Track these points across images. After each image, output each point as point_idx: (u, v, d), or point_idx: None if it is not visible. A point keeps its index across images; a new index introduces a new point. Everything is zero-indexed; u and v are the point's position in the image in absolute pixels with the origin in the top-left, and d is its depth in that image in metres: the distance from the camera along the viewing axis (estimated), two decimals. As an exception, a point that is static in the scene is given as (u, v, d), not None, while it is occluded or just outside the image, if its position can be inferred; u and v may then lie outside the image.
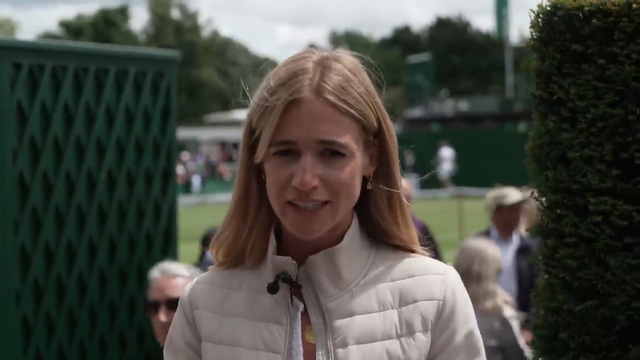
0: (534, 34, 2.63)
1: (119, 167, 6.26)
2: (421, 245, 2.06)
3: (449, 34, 79.20)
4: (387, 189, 1.97)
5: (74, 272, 5.93)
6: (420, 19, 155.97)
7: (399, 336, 1.92)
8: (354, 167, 1.91)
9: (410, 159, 35.03)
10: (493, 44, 71.96)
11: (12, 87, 5.58)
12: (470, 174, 33.07)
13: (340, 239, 1.96)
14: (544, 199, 2.63)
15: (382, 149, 1.98)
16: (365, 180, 1.97)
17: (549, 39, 2.60)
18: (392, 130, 2.00)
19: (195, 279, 2.08)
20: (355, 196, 1.93)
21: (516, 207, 7.85)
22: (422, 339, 1.92)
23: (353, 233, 1.97)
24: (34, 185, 5.71)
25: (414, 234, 2.02)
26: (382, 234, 2.00)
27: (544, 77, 2.61)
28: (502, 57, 61.10)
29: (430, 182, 34.89)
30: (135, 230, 6.35)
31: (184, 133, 49.99)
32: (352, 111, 1.90)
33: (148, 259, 6.42)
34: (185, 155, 43.71)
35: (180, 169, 38.15)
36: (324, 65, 1.92)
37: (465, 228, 19.23)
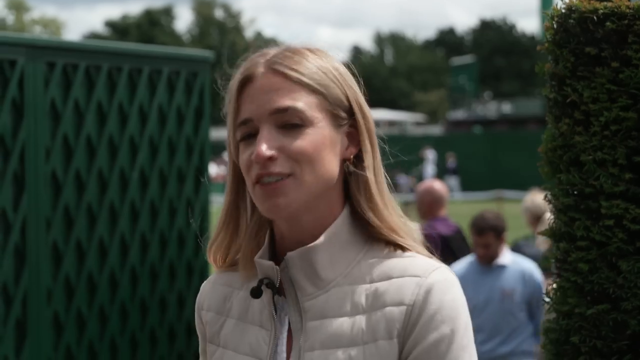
0: (548, 36, 2.62)
1: (151, 166, 6.30)
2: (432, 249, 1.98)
3: (494, 36, 78.86)
4: (361, 173, 1.90)
5: (106, 270, 5.98)
6: (462, 21, 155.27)
7: (363, 343, 1.85)
8: (318, 138, 1.85)
9: (451, 161, 34.91)
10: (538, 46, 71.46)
11: (45, 86, 5.64)
12: (513, 177, 32.89)
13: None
14: (556, 202, 2.62)
15: (356, 130, 1.92)
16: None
17: (563, 41, 2.58)
18: (368, 113, 1.93)
19: (209, 278, 2.08)
20: (325, 173, 1.86)
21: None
22: (385, 347, 1.84)
23: (336, 228, 1.90)
24: (67, 183, 5.76)
25: (392, 223, 1.91)
26: (368, 224, 1.92)
27: (557, 80, 2.60)
28: (547, 59, 60.61)
29: (469, 184, 34.75)
30: (167, 229, 6.39)
31: (226, 133, 50.13)
32: (306, 80, 1.86)
33: (180, 258, 6.46)
34: (227, 155, 43.81)
35: (222, 169, 38.26)
36: (285, 48, 1.92)
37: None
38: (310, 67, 1.87)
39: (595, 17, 2.53)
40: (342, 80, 1.91)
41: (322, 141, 1.85)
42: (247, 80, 1.87)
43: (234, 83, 1.89)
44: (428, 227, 7.64)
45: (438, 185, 7.89)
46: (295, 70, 1.86)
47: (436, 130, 54.38)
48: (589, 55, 2.55)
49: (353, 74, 1.95)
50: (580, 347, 2.54)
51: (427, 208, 7.76)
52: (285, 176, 1.83)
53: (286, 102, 1.84)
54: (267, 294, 1.91)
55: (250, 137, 1.86)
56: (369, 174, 1.90)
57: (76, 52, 5.92)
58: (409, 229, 1.95)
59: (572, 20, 2.56)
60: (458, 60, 61.67)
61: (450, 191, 32.54)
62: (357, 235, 1.93)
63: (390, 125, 56.21)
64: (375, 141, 1.94)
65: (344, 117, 1.90)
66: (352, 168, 1.91)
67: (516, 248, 7.22)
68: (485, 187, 32.32)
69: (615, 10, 2.52)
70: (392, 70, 79.58)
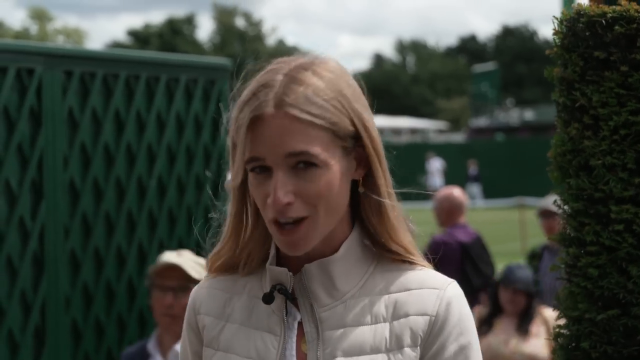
0: (557, 40, 2.61)
1: (169, 174, 6.32)
2: (429, 258, 2.02)
3: (516, 43, 78.71)
4: (374, 196, 1.93)
5: (124, 278, 6.00)
6: (483, 28, 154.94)
7: (387, 350, 1.89)
8: (331, 178, 1.86)
9: (473, 168, 34.84)
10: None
11: (63, 95, 5.67)
12: (535, 184, 32.81)
13: (337, 248, 1.93)
14: (566, 207, 2.61)
15: (365, 152, 1.92)
16: (357, 185, 1.94)
17: (572, 45, 2.58)
18: (374, 133, 1.93)
19: (199, 283, 2.08)
20: (337, 207, 1.89)
21: None
22: (411, 355, 1.89)
23: (351, 243, 1.94)
24: (85, 191, 5.78)
25: (407, 243, 1.96)
26: (375, 242, 1.96)
27: (566, 84, 2.60)
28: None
29: (492, 191, 34.67)
30: (185, 237, 6.40)
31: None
32: (317, 121, 1.84)
33: (198, 266, 6.47)
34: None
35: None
36: (291, 77, 1.88)
37: (527, 238, 19.09)
38: (320, 103, 1.86)
39: (603, 21, 2.53)
40: (349, 106, 1.89)
41: (335, 179, 1.87)
42: (256, 119, 1.85)
43: (243, 118, 1.86)
44: (448, 234, 7.63)
45: (457, 192, 7.88)
46: (307, 112, 1.85)
47: (458, 137, 54.29)
48: (597, 59, 2.54)
49: (360, 85, 1.95)
50: (590, 352, 2.53)
51: (446, 215, 7.75)
52: (301, 219, 1.85)
53: (300, 146, 1.84)
54: (277, 299, 1.94)
55: (262, 171, 1.87)
56: (383, 197, 1.93)
57: (94, 61, 5.94)
58: (416, 247, 1.99)
59: (580, 25, 2.56)
60: (480, 68, 61.60)
61: (472, 198, 32.54)
62: (367, 250, 1.97)
63: (412, 133, 56.20)
64: (384, 160, 1.95)
65: (352, 144, 1.91)
66: (363, 190, 1.93)
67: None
68: (508, 194, 32.26)
69: (624, 14, 2.51)
70: (413, 77, 79.54)
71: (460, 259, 7.43)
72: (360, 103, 1.93)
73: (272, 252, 1.97)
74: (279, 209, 1.83)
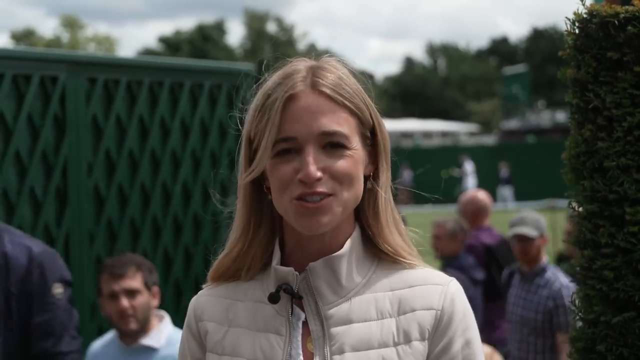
0: (570, 41, 2.60)
1: (194, 179, 6.33)
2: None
3: (546, 45, 78.34)
4: (378, 190, 1.99)
5: (149, 283, 6.01)
6: (512, 29, 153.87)
7: (395, 344, 1.93)
8: (356, 160, 1.94)
9: (504, 171, 34.69)
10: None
11: (87, 102, 5.70)
12: (566, 186, 32.59)
13: (342, 246, 1.97)
14: (580, 209, 2.59)
15: (375, 149, 2.01)
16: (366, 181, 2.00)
17: (585, 46, 2.56)
18: (386, 132, 2.02)
19: (198, 293, 2.12)
20: (358, 191, 1.95)
21: None
22: (419, 348, 1.93)
23: (354, 240, 1.99)
24: (110, 197, 5.81)
25: (395, 244, 2.01)
26: (370, 240, 2.01)
27: (580, 85, 2.58)
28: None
29: (523, 193, 34.50)
30: (211, 242, 6.41)
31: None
32: (348, 104, 1.94)
33: (223, 271, 6.47)
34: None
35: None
36: (315, 67, 1.98)
37: (558, 241, 18.94)
38: (347, 89, 1.96)
39: (616, 22, 2.51)
40: (368, 102, 2.00)
41: (358, 163, 1.95)
42: (289, 99, 1.92)
43: (276, 99, 1.93)
44: (473, 237, 7.61)
45: (482, 195, 7.86)
46: (338, 93, 1.94)
47: (489, 140, 54.10)
48: (610, 60, 2.53)
49: (366, 85, 2.03)
50: (606, 355, 2.52)
51: (470, 218, 7.73)
52: (327, 195, 1.91)
53: (333, 125, 1.92)
54: (283, 299, 1.97)
55: (289, 153, 1.92)
56: (381, 192, 2.00)
57: (117, 68, 5.97)
58: (411, 249, 2.04)
59: (593, 25, 2.54)
60: (510, 70, 61.35)
61: (504, 201, 32.30)
62: (368, 248, 2.02)
63: (443, 136, 56.10)
64: (389, 160, 2.03)
65: (369, 137, 2.00)
66: (372, 184, 2.00)
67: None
68: (539, 197, 32.08)
69: (637, 14, 2.49)
70: (444, 80, 79.35)
71: (486, 262, 7.41)
72: (372, 102, 2.02)
73: (278, 253, 2.00)
74: (309, 183, 1.88)
